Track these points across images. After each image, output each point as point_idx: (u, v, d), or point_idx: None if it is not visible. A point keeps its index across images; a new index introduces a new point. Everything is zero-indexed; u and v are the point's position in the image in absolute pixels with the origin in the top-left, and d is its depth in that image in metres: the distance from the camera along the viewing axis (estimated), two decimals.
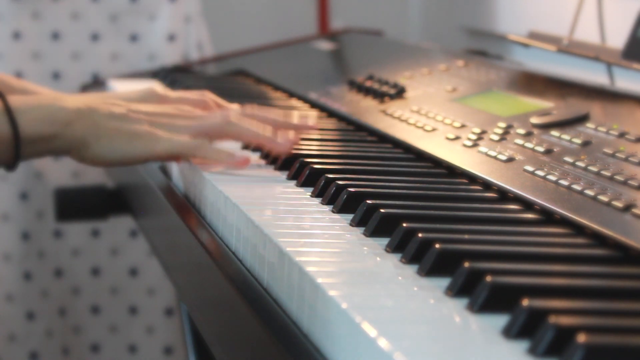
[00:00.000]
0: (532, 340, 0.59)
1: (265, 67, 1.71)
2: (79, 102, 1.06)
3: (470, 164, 0.99)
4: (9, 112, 1.02)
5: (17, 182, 1.99)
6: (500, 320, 0.62)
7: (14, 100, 1.03)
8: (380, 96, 1.30)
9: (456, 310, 0.65)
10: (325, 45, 1.77)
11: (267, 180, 1.02)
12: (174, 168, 1.15)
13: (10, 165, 1.05)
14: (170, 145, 1.05)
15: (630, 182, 0.83)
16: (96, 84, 1.84)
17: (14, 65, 1.93)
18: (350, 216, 0.86)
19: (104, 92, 1.27)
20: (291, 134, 1.09)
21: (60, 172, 2.01)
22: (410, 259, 0.74)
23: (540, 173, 0.91)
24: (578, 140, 0.96)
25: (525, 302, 0.61)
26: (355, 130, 1.24)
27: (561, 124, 1.02)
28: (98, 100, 1.08)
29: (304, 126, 1.13)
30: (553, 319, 0.59)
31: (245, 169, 1.05)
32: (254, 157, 1.11)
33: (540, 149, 0.97)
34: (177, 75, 1.67)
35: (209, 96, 1.17)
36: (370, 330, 0.60)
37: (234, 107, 1.15)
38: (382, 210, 0.82)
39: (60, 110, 1.04)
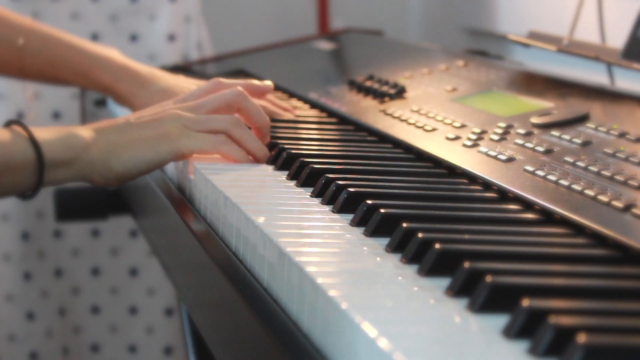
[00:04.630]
0: (532, 340, 0.59)
1: (265, 67, 1.71)
2: (89, 128, 1.07)
3: (470, 164, 0.99)
4: (32, 138, 1.03)
5: None
6: (500, 320, 0.62)
7: (35, 129, 1.05)
8: (380, 96, 1.30)
9: (456, 310, 0.65)
10: (325, 45, 1.77)
11: (267, 180, 1.02)
12: (172, 168, 1.15)
13: (32, 193, 1.06)
14: (194, 143, 1.05)
15: (630, 182, 0.83)
16: None
17: None
18: (350, 216, 0.86)
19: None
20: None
21: None
22: (410, 259, 0.74)
23: (541, 173, 0.91)
24: (578, 140, 0.96)
25: (525, 302, 0.61)
26: (355, 130, 1.24)
27: (561, 124, 1.02)
28: (102, 122, 1.09)
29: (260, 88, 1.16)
30: (553, 319, 0.59)
31: (241, 167, 1.05)
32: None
33: (540, 149, 0.97)
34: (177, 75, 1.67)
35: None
36: (370, 330, 0.60)
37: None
38: (382, 210, 0.82)
39: (77, 136, 1.05)
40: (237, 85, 1.13)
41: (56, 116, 1.99)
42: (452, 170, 1.01)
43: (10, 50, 1.32)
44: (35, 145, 1.03)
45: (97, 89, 1.38)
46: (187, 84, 1.33)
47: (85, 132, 1.06)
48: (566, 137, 0.98)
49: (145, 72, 1.33)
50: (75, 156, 1.05)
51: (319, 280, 0.68)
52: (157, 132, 1.06)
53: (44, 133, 1.05)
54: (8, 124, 1.05)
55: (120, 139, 1.06)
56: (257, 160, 1.08)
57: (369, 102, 1.30)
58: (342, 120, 1.29)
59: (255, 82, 1.23)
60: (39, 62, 1.33)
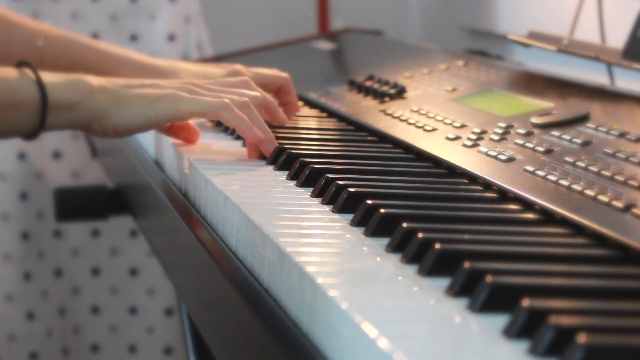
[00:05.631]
0: (532, 340, 0.59)
1: (265, 67, 1.71)
2: (101, 79, 1.11)
3: (471, 164, 0.99)
4: (39, 79, 1.07)
5: (17, 182, 1.99)
6: (500, 320, 0.62)
7: (43, 72, 1.08)
8: (380, 96, 1.30)
9: (456, 310, 0.65)
10: (325, 45, 1.77)
11: (267, 180, 1.02)
12: (172, 168, 1.15)
13: (33, 134, 1.09)
14: (194, 104, 1.08)
15: (630, 182, 0.83)
16: None
17: None
18: (350, 216, 0.86)
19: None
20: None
21: (60, 172, 2.01)
22: (410, 259, 0.74)
23: (541, 173, 0.91)
24: (578, 140, 0.96)
25: (526, 302, 0.61)
26: (355, 130, 1.24)
27: (561, 124, 1.02)
28: (119, 78, 1.13)
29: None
30: (553, 319, 0.59)
31: (241, 167, 1.05)
32: (255, 157, 1.11)
33: (541, 149, 0.97)
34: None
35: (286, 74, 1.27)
36: (370, 330, 0.60)
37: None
38: (382, 210, 0.82)
39: (84, 82, 1.09)
40: (258, 94, 1.14)
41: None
42: (452, 170, 1.01)
43: (31, 53, 1.33)
44: (41, 85, 1.07)
45: None
46: (208, 70, 1.33)
47: (93, 79, 1.10)
48: (566, 137, 0.98)
49: (166, 66, 1.34)
50: (79, 100, 1.08)
51: (319, 280, 0.68)
52: (162, 92, 1.08)
53: (51, 76, 1.08)
54: (19, 65, 1.09)
55: (125, 92, 1.09)
56: (262, 144, 1.08)
57: (369, 102, 1.30)
58: (342, 120, 1.29)
59: (274, 104, 1.22)
60: (60, 63, 1.35)
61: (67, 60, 1.35)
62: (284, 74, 1.32)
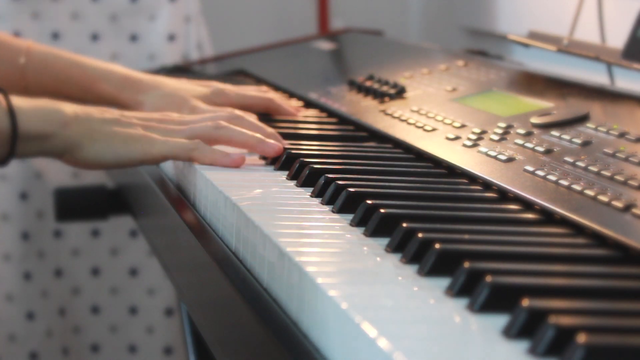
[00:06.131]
0: (532, 340, 0.59)
1: (265, 67, 1.71)
2: (76, 107, 1.09)
3: (470, 164, 0.99)
4: (10, 108, 1.04)
5: (17, 182, 1.99)
6: (500, 320, 0.62)
7: (15, 98, 1.06)
8: (380, 96, 1.30)
9: (456, 310, 0.65)
10: (325, 45, 1.77)
11: (267, 180, 1.02)
12: (173, 168, 1.15)
13: (2, 162, 1.06)
14: (166, 147, 1.07)
15: (630, 182, 0.83)
16: None
17: None
18: (350, 216, 0.86)
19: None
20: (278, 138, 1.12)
21: (60, 172, 2.01)
22: (410, 259, 0.74)
23: (541, 173, 0.91)
24: (578, 140, 0.96)
25: (526, 302, 0.61)
26: (355, 130, 1.24)
27: (561, 124, 1.02)
28: (93, 108, 1.11)
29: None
30: (553, 319, 0.59)
31: (241, 167, 1.06)
32: (254, 157, 1.11)
33: (540, 149, 0.97)
34: (177, 75, 1.66)
35: (271, 94, 1.25)
36: (370, 330, 0.60)
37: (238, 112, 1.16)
38: (382, 210, 0.82)
39: (58, 112, 1.07)
40: (234, 112, 1.14)
41: None
42: (452, 170, 1.01)
43: (13, 71, 1.33)
44: (12, 115, 1.04)
45: (101, 102, 1.39)
46: (191, 87, 1.32)
47: (68, 108, 1.08)
48: (566, 137, 0.98)
49: (148, 80, 1.34)
50: (52, 132, 1.06)
51: (319, 280, 0.68)
52: (136, 133, 1.07)
53: (24, 103, 1.06)
54: None
55: (100, 128, 1.07)
56: (255, 150, 1.08)
57: (369, 102, 1.30)
58: (342, 120, 1.29)
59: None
60: (42, 80, 1.34)
61: (50, 77, 1.35)
62: (268, 95, 1.31)
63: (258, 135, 1.09)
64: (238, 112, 1.15)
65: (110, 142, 1.07)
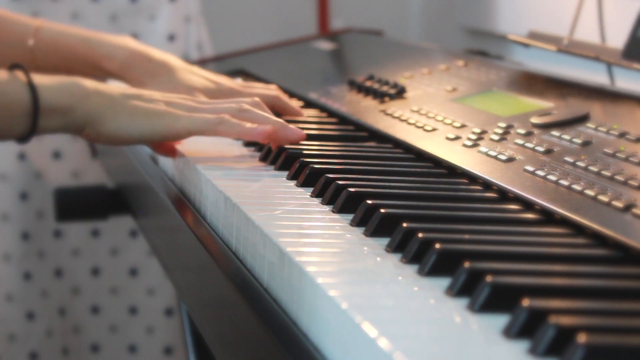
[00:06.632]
0: (532, 340, 0.59)
1: (265, 67, 1.71)
2: (96, 83, 1.08)
3: (471, 164, 0.99)
4: (30, 82, 1.04)
5: (17, 182, 1.99)
6: (500, 320, 0.62)
7: (35, 75, 1.06)
8: (380, 96, 1.30)
9: (456, 310, 0.65)
10: (325, 45, 1.77)
11: (267, 180, 1.02)
12: (173, 168, 1.15)
13: (24, 138, 1.06)
14: (191, 122, 1.06)
15: (630, 182, 0.83)
16: None
17: None
18: (350, 216, 0.86)
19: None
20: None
21: (60, 172, 2.01)
22: (410, 259, 0.74)
23: (541, 173, 0.91)
24: (578, 140, 0.96)
25: (526, 302, 0.61)
26: (355, 130, 1.24)
27: (561, 124, 1.02)
28: (114, 85, 1.11)
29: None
30: (553, 319, 0.59)
31: (241, 167, 1.06)
32: (254, 157, 1.11)
33: (541, 149, 0.97)
34: None
35: (278, 92, 1.26)
36: (370, 330, 0.60)
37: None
38: (382, 210, 0.82)
39: (78, 85, 1.06)
40: (256, 98, 1.13)
41: None
42: (452, 170, 1.01)
43: (23, 52, 1.32)
44: (33, 88, 1.04)
45: (111, 78, 1.38)
46: (198, 80, 1.31)
47: (89, 82, 1.07)
48: (566, 137, 0.98)
49: (159, 61, 1.32)
50: (73, 104, 1.05)
51: (319, 280, 0.68)
52: (159, 109, 1.06)
53: (44, 78, 1.06)
54: (12, 67, 1.06)
55: (122, 101, 1.07)
56: (278, 134, 1.07)
57: (369, 102, 1.30)
58: (342, 120, 1.29)
59: (281, 98, 1.22)
60: (52, 59, 1.34)
61: (59, 56, 1.35)
62: (275, 93, 1.30)
63: (281, 120, 1.09)
64: (259, 100, 1.14)
65: (133, 117, 1.06)
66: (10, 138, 1.07)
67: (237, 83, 1.33)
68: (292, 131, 1.08)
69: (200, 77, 1.32)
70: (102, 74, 1.36)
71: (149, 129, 1.06)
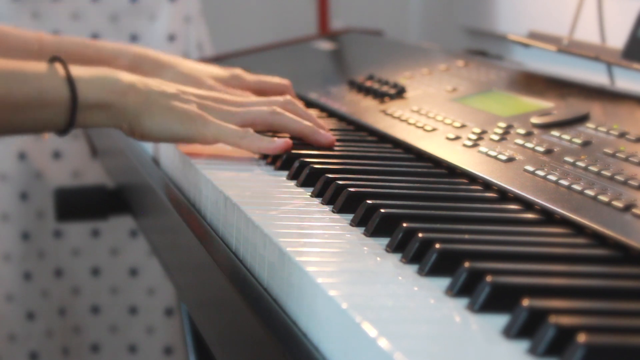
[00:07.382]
0: (532, 340, 0.59)
1: (265, 67, 1.71)
2: (133, 76, 1.09)
3: (471, 164, 0.99)
4: (69, 76, 1.05)
5: (17, 182, 1.99)
6: (500, 320, 0.62)
7: (74, 67, 1.07)
8: (380, 96, 1.30)
9: (456, 310, 0.65)
10: (325, 45, 1.77)
11: (267, 180, 1.02)
12: (172, 168, 1.15)
13: (63, 131, 1.07)
14: (219, 131, 1.08)
15: (630, 182, 0.83)
16: None
17: None
18: (350, 216, 0.86)
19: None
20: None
21: (60, 172, 2.01)
22: (410, 259, 0.74)
23: (541, 173, 0.91)
24: (578, 140, 0.96)
25: (526, 302, 0.61)
26: (355, 130, 1.24)
27: (561, 124, 1.02)
28: (151, 79, 1.11)
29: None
30: (553, 319, 0.59)
31: (241, 167, 1.06)
32: (254, 157, 1.11)
33: (541, 149, 0.97)
34: None
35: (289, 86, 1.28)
36: (370, 330, 0.60)
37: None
38: (382, 210, 0.82)
39: (117, 81, 1.07)
40: (288, 98, 1.15)
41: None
42: (452, 170, 1.01)
43: (31, 59, 1.32)
44: (71, 83, 1.05)
45: None
46: (208, 68, 1.32)
47: (126, 77, 1.08)
48: (566, 137, 0.98)
49: (165, 57, 1.34)
50: (111, 101, 1.07)
51: (319, 280, 0.68)
52: (193, 111, 1.08)
53: (83, 71, 1.06)
54: (52, 60, 1.07)
55: (159, 100, 1.08)
56: (308, 139, 1.10)
57: (369, 102, 1.30)
58: (342, 120, 1.29)
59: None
60: None
61: (67, 60, 1.35)
62: (285, 81, 1.31)
63: (311, 124, 1.11)
64: (290, 97, 1.15)
65: (168, 117, 1.07)
66: (49, 131, 1.08)
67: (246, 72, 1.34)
68: (323, 136, 1.10)
69: (210, 66, 1.34)
70: None
71: (180, 131, 1.08)
